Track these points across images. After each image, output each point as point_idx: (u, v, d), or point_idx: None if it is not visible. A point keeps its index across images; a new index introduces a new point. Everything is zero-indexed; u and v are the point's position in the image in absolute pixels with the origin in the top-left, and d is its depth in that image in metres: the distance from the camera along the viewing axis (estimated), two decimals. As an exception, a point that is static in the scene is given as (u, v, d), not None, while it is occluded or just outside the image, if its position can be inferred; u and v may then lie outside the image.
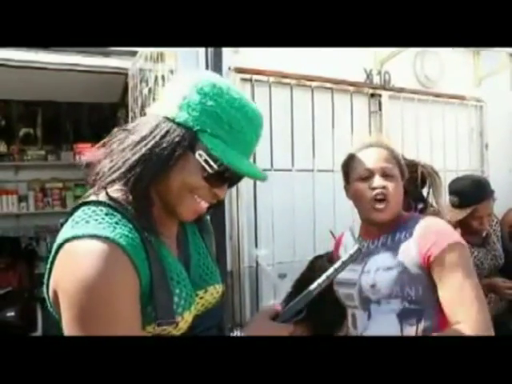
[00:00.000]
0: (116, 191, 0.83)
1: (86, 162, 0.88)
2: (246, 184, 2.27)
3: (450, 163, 2.98)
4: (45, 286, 0.80)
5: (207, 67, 1.89)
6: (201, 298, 0.92)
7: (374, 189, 1.25)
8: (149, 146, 0.81)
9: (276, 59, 2.36)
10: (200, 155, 0.81)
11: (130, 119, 2.92)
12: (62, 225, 0.82)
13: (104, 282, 0.72)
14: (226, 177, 0.85)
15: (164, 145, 0.80)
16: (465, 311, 1.09)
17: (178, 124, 0.82)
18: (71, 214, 0.82)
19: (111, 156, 0.84)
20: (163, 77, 2.12)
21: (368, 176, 1.27)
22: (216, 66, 1.85)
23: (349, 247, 1.41)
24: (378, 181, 1.25)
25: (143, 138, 0.82)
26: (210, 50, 1.85)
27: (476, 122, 3.22)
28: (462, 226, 2.11)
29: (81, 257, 0.73)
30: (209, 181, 0.84)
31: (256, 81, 2.30)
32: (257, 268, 2.28)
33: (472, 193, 2.08)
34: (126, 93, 3.01)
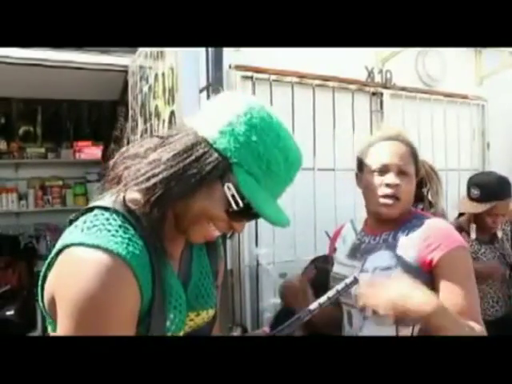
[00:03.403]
0: (133, 201, 0.79)
1: (111, 160, 0.83)
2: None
3: (452, 162, 2.96)
4: (40, 283, 0.77)
5: (207, 65, 1.87)
6: (191, 319, 0.89)
7: (387, 185, 1.24)
8: (179, 166, 0.75)
9: (277, 57, 2.34)
10: (229, 188, 0.77)
11: (129, 117, 2.91)
12: (70, 222, 0.79)
13: (108, 300, 0.69)
14: (249, 214, 0.81)
15: (195, 170, 0.75)
16: (464, 311, 1.11)
17: (216, 150, 0.77)
18: (83, 214, 0.79)
19: (138, 164, 0.79)
20: (163, 74, 2.10)
21: (383, 170, 1.26)
22: (217, 63, 1.84)
23: (348, 240, 1.40)
24: (392, 178, 1.24)
25: (175, 156, 0.76)
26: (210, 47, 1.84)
27: (478, 120, 3.21)
28: (475, 221, 2.15)
29: (88, 268, 0.70)
30: (230, 215, 0.80)
31: (257, 79, 2.28)
32: (257, 267, 2.27)
33: (495, 189, 2.07)
34: (126, 90, 2.99)
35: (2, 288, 3.92)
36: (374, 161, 1.29)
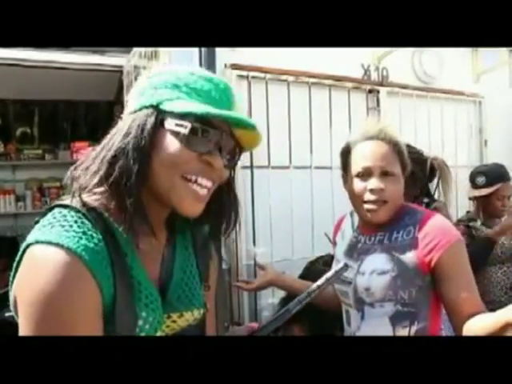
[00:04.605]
0: (96, 197, 0.79)
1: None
2: (243, 181, 2.26)
3: (449, 159, 2.96)
4: (10, 286, 0.75)
5: (201, 63, 1.87)
6: (173, 321, 0.84)
7: (371, 191, 1.21)
8: (120, 140, 0.78)
9: (273, 56, 2.34)
10: (169, 123, 0.77)
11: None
12: (36, 223, 0.78)
13: (61, 298, 0.67)
14: (209, 137, 0.78)
15: (133, 131, 0.77)
16: (474, 303, 1.12)
17: (140, 109, 0.80)
18: (44, 214, 0.78)
19: (85, 163, 0.83)
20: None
21: (365, 174, 1.23)
22: (210, 62, 1.84)
23: (346, 235, 1.39)
24: (375, 183, 1.21)
25: (112, 136, 0.81)
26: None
27: (475, 118, 3.21)
28: (485, 210, 2.40)
29: (39, 266, 0.69)
30: (191, 146, 0.77)
31: (253, 77, 2.28)
32: (255, 266, 2.27)
33: (498, 172, 2.41)
34: (122, 90, 2.99)
35: (0, 290, 3.91)
36: (355, 164, 1.25)
